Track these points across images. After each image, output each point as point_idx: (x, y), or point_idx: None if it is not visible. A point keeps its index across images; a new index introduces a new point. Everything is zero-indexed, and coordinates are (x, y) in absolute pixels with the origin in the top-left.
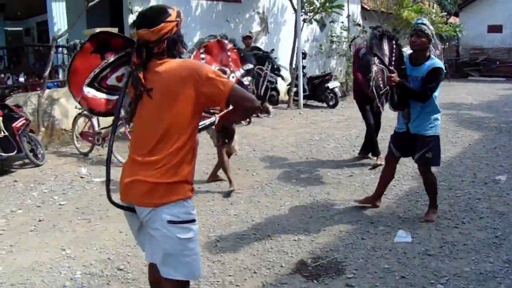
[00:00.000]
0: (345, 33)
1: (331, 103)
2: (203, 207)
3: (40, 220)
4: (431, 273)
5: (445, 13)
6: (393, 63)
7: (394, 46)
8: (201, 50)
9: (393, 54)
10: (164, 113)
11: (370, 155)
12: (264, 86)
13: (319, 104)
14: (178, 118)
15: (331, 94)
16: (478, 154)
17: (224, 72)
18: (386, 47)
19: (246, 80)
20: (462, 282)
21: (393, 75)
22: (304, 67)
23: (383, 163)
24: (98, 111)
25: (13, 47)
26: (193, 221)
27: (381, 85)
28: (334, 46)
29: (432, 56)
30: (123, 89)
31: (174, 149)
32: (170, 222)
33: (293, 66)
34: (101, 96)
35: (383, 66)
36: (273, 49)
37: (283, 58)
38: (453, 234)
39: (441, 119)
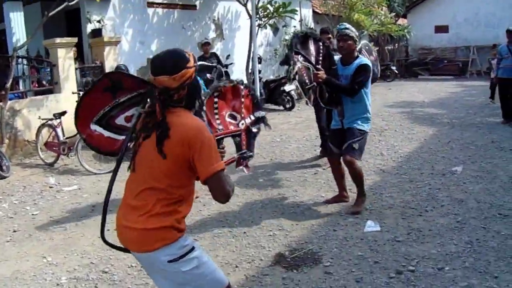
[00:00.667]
0: None
1: (287, 106)
2: None
3: (15, 231)
4: (401, 257)
5: (394, 15)
6: (320, 62)
7: (321, 47)
8: (215, 94)
9: (320, 54)
10: (159, 162)
11: None
12: None
13: (276, 107)
14: (170, 170)
15: (288, 97)
16: (434, 148)
17: (235, 118)
18: (312, 47)
19: (255, 128)
20: (430, 263)
21: (319, 72)
22: (260, 71)
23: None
24: (103, 150)
25: None
26: (191, 250)
27: (307, 81)
28: (287, 50)
29: (360, 56)
30: (131, 131)
31: (161, 198)
32: (170, 261)
33: (249, 71)
34: (108, 134)
35: (308, 64)
36: (228, 55)
37: (238, 63)
38: (418, 222)
39: (371, 119)
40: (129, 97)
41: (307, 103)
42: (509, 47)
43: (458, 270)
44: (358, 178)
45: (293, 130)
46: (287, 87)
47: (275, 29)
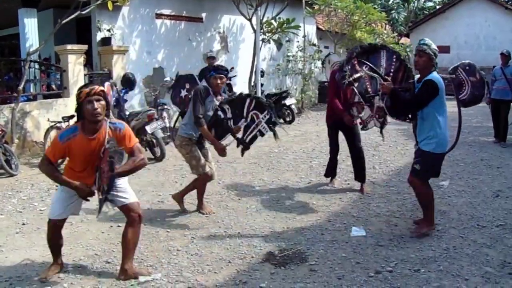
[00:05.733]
0: (300, 53)
1: (288, 119)
2: (177, 209)
3: (23, 224)
4: (382, 259)
5: (396, 34)
6: (390, 74)
7: (394, 60)
8: None
9: (392, 67)
10: None
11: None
12: (252, 134)
13: (276, 120)
14: None
15: (288, 111)
16: None
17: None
18: (383, 60)
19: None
20: (408, 265)
21: (385, 82)
22: (262, 84)
23: (334, 186)
24: None
25: None
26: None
27: (369, 90)
28: (290, 65)
29: (433, 73)
30: None
31: None
32: None
33: (252, 83)
34: None
35: (375, 74)
36: (232, 67)
37: (241, 76)
38: (401, 229)
39: (445, 139)
40: None
41: (362, 128)
42: (502, 70)
43: (432, 273)
44: (421, 199)
45: (291, 143)
46: (288, 101)
47: (279, 44)
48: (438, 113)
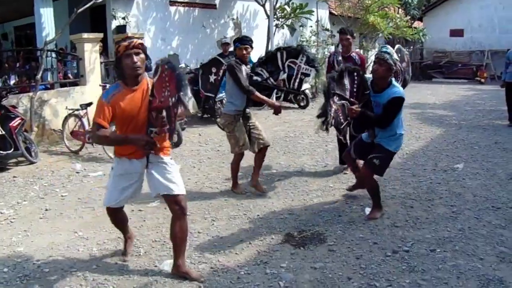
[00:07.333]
0: (314, 38)
1: (302, 104)
2: (196, 193)
3: (46, 210)
4: (398, 240)
5: (410, 18)
6: (354, 93)
7: (356, 77)
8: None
9: (355, 85)
10: None
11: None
12: (298, 79)
13: (291, 105)
14: None
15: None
16: (439, 147)
17: None
18: (347, 81)
19: None
20: (424, 245)
21: (353, 107)
22: None
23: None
24: None
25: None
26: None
27: (342, 120)
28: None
29: (393, 83)
30: None
31: None
32: None
33: None
34: None
35: (344, 101)
36: None
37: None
38: (417, 211)
39: (402, 139)
40: None
41: (344, 140)
42: None
43: (448, 252)
44: (370, 191)
45: (307, 127)
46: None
47: (292, 29)
48: (398, 118)
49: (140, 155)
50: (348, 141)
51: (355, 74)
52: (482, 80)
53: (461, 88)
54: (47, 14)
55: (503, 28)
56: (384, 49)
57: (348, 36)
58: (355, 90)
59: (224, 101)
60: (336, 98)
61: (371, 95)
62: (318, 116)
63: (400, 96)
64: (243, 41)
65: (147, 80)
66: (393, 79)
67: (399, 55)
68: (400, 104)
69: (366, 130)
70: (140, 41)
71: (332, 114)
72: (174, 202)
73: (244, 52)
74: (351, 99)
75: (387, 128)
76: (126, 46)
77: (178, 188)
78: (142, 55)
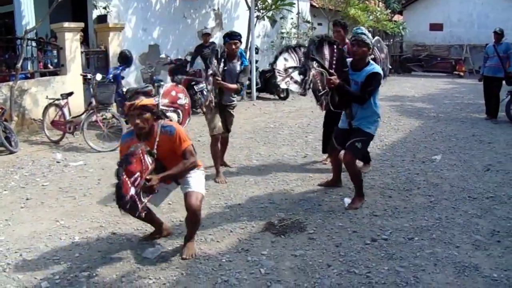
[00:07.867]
0: (294, 30)
1: (282, 95)
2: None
3: (27, 199)
4: (377, 228)
5: (390, 11)
6: (333, 66)
7: (335, 50)
8: None
9: (334, 58)
10: None
11: None
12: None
13: (271, 96)
14: None
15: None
16: (418, 138)
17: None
18: (327, 51)
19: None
20: (402, 234)
21: (332, 77)
22: (256, 61)
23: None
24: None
25: None
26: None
27: (320, 87)
28: (284, 41)
29: (371, 62)
30: None
31: None
32: None
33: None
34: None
35: (322, 69)
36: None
37: None
38: (395, 201)
39: (379, 122)
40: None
41: (321, 108)
42: (495, 47)
43: (425, 240)
44: (356, 178)
45: (287, 118)
46: None
47: (273, 21)
48: (375, 99)
49: None
50: (322, 109)
51: (335, 46)
52: (461, 74)
53: (439, 82)
54: (26, 2)
55: (482, 23)
56: (359, 30)
57: (339, 29)
58: (334, 62)
59: (204, 92)
60: (315, 64)
61: (350, 73)
62: (299, 74)
63: (377, 71)
64: (232, 37)
65: (158, 133)
66: (370, 58)
67: (378, 45)
68: (377, 80)
69: (344, 109)
70: (142, 102)
71: (311, 77)
72: (186, 198)
73: (233, 46)
74: (330, 70)
75: (366, 108)
76: (128, 107)
77: (193, 186)
78: (146, 115)
